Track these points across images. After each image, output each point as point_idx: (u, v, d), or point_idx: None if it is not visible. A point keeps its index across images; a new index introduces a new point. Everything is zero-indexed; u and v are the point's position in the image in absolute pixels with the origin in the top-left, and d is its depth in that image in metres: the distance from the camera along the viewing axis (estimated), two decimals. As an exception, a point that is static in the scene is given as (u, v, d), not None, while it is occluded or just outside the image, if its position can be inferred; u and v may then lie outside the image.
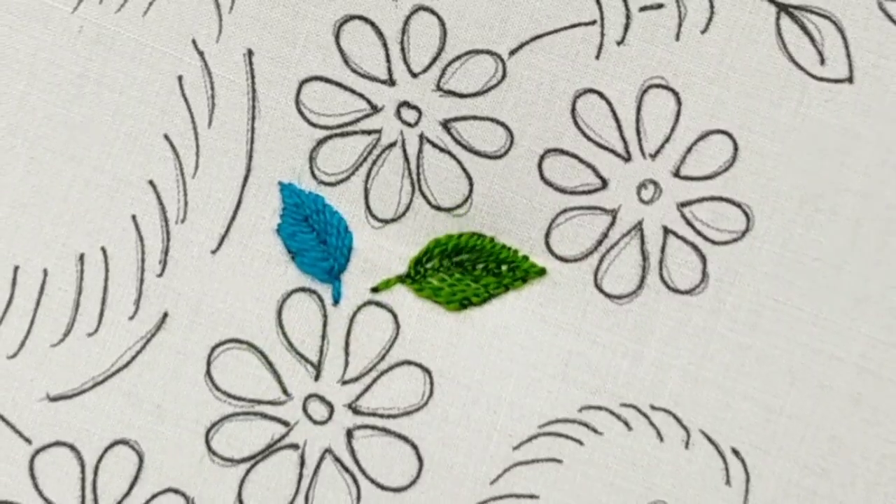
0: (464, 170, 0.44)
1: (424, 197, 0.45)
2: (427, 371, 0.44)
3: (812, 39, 0.43)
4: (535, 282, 0.44)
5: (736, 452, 0.44)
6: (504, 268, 0.44)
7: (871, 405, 0.43)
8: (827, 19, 0.43)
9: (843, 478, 0.43)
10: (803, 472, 0.43)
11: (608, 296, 0.44)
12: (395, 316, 0.44)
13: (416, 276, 0.44)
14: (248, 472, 0.44)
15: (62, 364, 0.44)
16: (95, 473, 0.44)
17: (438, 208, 0.45)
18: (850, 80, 0.43)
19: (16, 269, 0.44)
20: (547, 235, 0.44)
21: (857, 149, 0.43)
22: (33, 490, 0.44)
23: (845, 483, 0.43)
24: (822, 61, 0.43)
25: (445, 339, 0.44)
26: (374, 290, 0.44)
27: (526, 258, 0.44)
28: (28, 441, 0.44)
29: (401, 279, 0.44)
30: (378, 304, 0.44)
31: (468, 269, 0.44)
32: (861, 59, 0.43)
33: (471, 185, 0.44)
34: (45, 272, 0.44)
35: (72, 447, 0.44)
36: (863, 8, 0.43)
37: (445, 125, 0.44)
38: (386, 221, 0.45)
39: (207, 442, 0.44)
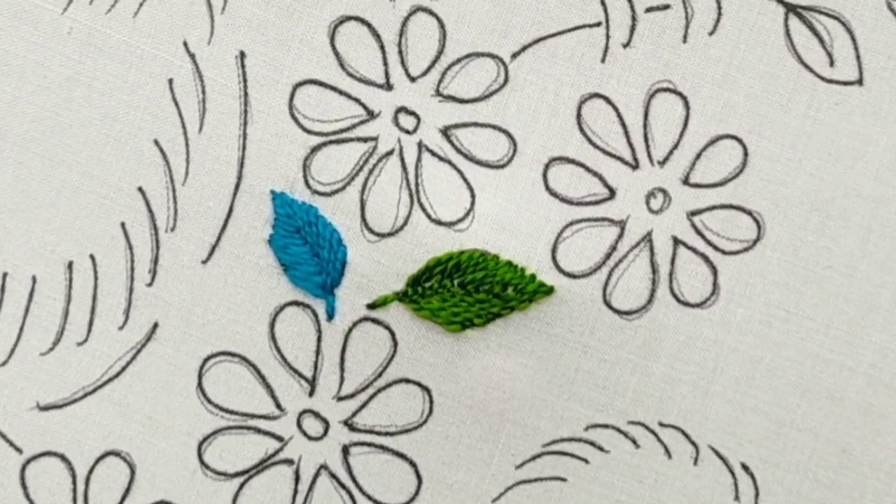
0: (465, 180, 0.44)
1: (423, 210, 0.44)
2: (426, 389, 0.44)
3: (821, 40, 0.43)
4: (542, 300, 0.44)
5: (745, 467, 0.43)
6: (510, 290, 0.43)
7: (882, 415, 0.43)
8: (836, 20, 0.43)
9: (852, 489, 0.43)
10: (813, 485, 0.43)
11: (617, 312, 0.44)
12: (392, 333, 0.44)
13: (413, 295, 0.44)
14: (241, 486, 0.44)
15: (52, 373, 0.44)
16: (87, 484, 0.44)
17: (438, 223, 0.44)
18: (859, 82, 0.43)
19: (4, 275, 0.44)
20: (553, 250, 0.44)
21: (867, 153, 0.43)
22: (24, 500, 0.44)
23: (854, 495, 0.43)
24: (832, 63, 0.43)
25: (445, 358, 0.44)
26: (371, 306, 0.44)
27: (533, 277, 0.44)
28: (19, 450, 0.44)
29: (398, 297, 0.44)
30: (374, 320, 0.44)
31: (471, 293, 0.44)
32: (871, 61, 0.43)
33: (472, 196, 0.44)
34: (34, 279, 0.44)
35: (62, 457, 0.44)
36: (871, 8, 0.43)
37: (445, 132, 0.44)
38: (382, 235, 0.44)
39: (200, 455, 0.44)
